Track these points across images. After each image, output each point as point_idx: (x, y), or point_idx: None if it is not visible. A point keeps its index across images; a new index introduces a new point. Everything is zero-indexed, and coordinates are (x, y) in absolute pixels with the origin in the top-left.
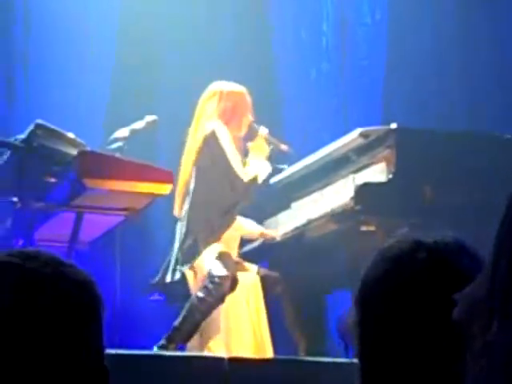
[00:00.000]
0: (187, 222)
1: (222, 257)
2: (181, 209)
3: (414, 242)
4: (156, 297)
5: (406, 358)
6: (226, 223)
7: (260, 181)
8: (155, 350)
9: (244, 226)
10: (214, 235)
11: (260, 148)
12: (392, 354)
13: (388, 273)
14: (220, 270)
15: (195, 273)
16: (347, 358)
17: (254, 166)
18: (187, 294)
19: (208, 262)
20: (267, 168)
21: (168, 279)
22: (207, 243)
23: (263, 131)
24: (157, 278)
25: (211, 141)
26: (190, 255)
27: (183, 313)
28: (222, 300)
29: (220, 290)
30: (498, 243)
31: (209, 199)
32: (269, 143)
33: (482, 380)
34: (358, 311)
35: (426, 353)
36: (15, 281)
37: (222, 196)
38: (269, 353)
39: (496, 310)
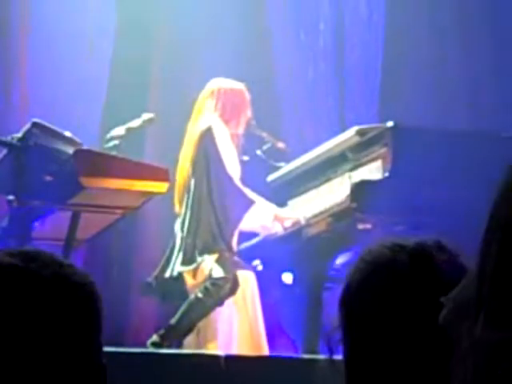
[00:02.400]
0: (189, 221)
1: (224, 258)
2: (180, 205)
3: (395, 245)
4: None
5: (389, 361)
6: (230, 230)
7: (251, 207)
8: (148, 346)
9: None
10: (216, 242)
11: (281, 221)
12: (375, 358)
13: (369, 276)
14: (221, 273)
15: (194, 272)
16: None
17: (261, 202)
18: (183, 293)
19: (209, 264)
20: (263, 216)
21: (167, 275)
22: (209, 249)
23: (281, 146)
24: (155, 273)
25: (207, 137)
26: (190, 255)
27: (180, 311)
28: (220, 303)
29: (220, 292)
30: (484, 243)
31: (208, 198)
32: (265, 141)
33: (468, 381)
34: (340, 315)
35: (409, 356)
36: (17, 283)
37: (220, 194)
38: (264, 350)
39: (481, 311)
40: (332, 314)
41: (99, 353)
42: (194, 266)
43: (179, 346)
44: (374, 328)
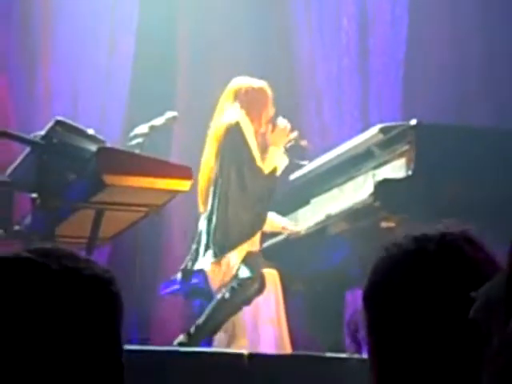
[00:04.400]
0: (216, 217)
1: (251, 257)
2: (205, 203)
3: (420, 237)
4: (172, 288)
5: (420, 356)
6: (260, 222)
7: (278, 173)
8: (175, 347)
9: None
10: (248, 235)
11: (278, 140)
12: (405, 352)
13: (396, 267)
14: (248, 272)
15: (220, 270)
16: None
17: (272, 159)
18: (208, 291)
19: (236, 262)
20: (285, 160)
21: (193, 270)
22: (240, 242)
23: (282, 123)
24: (181, 268)
25: (235, 130)
26: (217, 252)
27: (207, 311)
28: (248, 302)
29: (247, 292)
30: None
31: (236, 192)
32: (288, 136)
33: (498, 379)
34: (365, 309)
35: (440, 350)
36: (33, 277)
37: (248, 189)
38: (288, 349)
39: None
40: (354, 312)
41: (117, 350)
42: (220, 262)
43: (209, 344)
44: (403, 320)
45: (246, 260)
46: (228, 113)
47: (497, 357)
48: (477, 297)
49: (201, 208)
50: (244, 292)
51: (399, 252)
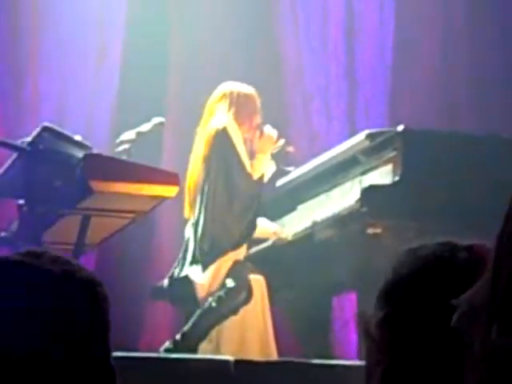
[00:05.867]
0: (203, 225)
1: (238, 266)
2: (191, 209)
3: (451, 243)
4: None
5: (434, 360)
6: (250, 229)
7: (266, 180)
8: (162, 353)
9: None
10: (238, 243)
11: (265, 147)
12: (421, 354)
13: (424, 270)
14: (236, 282)
15: (207, 277)
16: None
17: (260, 166)
18: (194, 298)
19: (224, 271)
20: (272, 167)
21: (179, 279)
22: (228, 250)
23: (269, 130)
24: (167, 277)
25: (223, 136)
26: (204, 260)
27: (193, 319)
28: (235, 312)
29: (234, 301)
30: (499, 246)
31: (224, 199)
32: (275, 144)
33: None
34: (386, 305)
35: (432, 357)
36: (25, 279)
37: (237, 196)
38: (274, 355)
39: (496, 314)
40: (341, 319)
41: (106, 354)
42: (208, 270)
43: (194, 351)
44: (427, 322)
45: (234, 269)
46: (216, 117)
47: (479, 364)
48: (458, 304)
49: (187, 214)
50: (231, 301)
51: (431, 254)
